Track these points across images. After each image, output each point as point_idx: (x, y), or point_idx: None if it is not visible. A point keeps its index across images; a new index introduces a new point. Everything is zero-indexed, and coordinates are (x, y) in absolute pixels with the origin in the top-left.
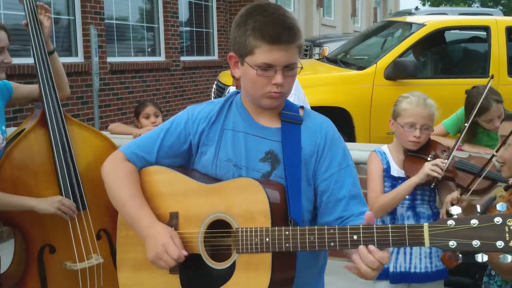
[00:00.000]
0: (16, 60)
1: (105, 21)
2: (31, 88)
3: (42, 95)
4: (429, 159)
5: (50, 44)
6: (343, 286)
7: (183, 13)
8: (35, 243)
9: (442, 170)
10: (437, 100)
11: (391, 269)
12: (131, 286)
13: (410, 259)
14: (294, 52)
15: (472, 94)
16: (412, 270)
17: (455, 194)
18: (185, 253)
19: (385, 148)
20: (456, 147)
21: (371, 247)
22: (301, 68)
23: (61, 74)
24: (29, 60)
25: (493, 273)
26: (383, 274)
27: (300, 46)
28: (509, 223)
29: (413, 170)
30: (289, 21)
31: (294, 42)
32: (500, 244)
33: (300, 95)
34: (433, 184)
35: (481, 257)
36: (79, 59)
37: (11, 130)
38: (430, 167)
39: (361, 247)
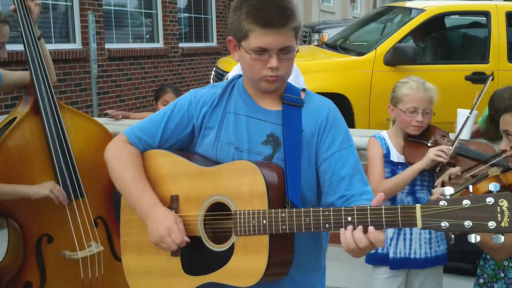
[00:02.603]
0: (12, 47)
1: (103, 7)
2: (21, 75)
3: (33, 82)
4: (429, 144)
5: (37, 30)
6: (343, 271)
7: None
8: (32, 233)
9: (447, 155)
10: (436, 85)
11: (391, 255)
12: (134, 268)
13: (410, 245)
14: (289, 35)
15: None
16: (412, 256)
17: (456, 169)
18: (187, 239)
19: (384, 133)
20: (460, 134)
21: (369, 228)
22: (297, 51)
23: (48, 61)
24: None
25: (488, 257)
26: (383, 259)
27: (296, 29)
28: (501, 204)
29: (413, 156)
30: (283, 4)
31: (288, 25)
32: (492, 224)
33: (300, 81)
34: (437, 169)
35: (474, 238)
36: (77, 45)
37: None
38: (435, 153)
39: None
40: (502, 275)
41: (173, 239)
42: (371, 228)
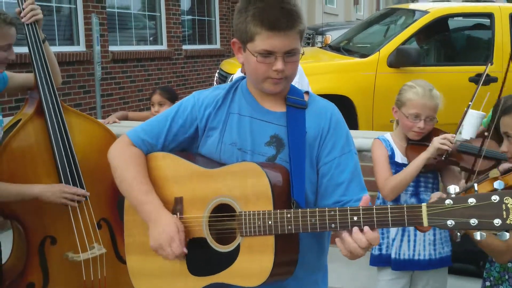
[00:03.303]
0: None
1: (107, 9)
2: (26, 77)
3: (38, 84)
4: None
5: (42, 33)
6: (347, 272)
7: (185, 2)
8: (35, 235)
9: (451, 143)
10: (440, 87)
11: (393, 256)
12: (138, 269)
13: (414, 246)
14: (295, 38)
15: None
16: (416, 257)
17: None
18: (185, 251)
19: (388, 135)
20: (460, 128)
21: (365, 228)
22: (302, 54)
23: (54, 63)
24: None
25: (494, 259)
26: (387, 261)
27: (301, 32)
28: (506, 201)
29: (415, 158)
30: (289, 7)
31: (294, 28)
32: (497, 222)
33: (303, 82)
34: (443, 157)
35: (479, 235)
36: (80, 48)
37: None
38: (440, 141)
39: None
40: (506, 277)
41: (172, 249)
42: (366, 228)
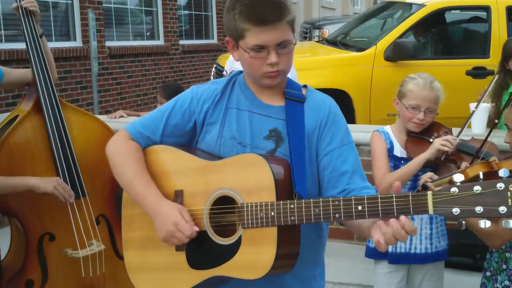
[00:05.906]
0: (13, 46)
1: (103, 5)
2: (23, 72)
3: (35, 80)
4: (431, 140)
5: (39, 28)
6: (345, 266)
7: None
8: (34, 232)
9: (452, 145)
10: (437, 81)
11: (390, 249)
12: (137, 264)
13: (410, 240)
14: (285, 29)
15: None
16: (412, 251)
17: (464, 165)
18: (196, 228)
19: (387, 128)
20: (465, 127)
21: (401, 217)
22: (295, 43)
23: (50, 59)
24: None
25: (494, 250)
26: (383, 254)
27: (291, 22)
28: (511, 189)
29: (415, 151)
30: None
31: (283, 19)
32: (502, 209)
33: (293, 76)
34: (442, 157)
35: (484, 223)
36: (77, 43)
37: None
38: (441, 142)
39: (380, 222)
40: (504, 267)
41: (182, 231)
42: (403, 218)
